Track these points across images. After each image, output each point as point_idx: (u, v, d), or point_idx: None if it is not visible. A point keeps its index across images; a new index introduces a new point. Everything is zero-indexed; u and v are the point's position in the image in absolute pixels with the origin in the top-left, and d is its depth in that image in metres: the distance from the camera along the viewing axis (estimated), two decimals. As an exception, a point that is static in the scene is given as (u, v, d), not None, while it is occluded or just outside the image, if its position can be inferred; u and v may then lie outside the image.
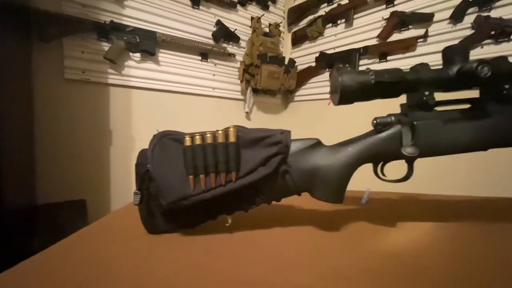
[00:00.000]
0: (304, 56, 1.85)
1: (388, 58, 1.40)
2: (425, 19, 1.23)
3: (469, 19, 1.12)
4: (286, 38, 1.98)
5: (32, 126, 1.04)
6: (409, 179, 0.42)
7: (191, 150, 0.36)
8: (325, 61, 1.66)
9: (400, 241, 0.42)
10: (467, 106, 0.41)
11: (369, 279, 0.29)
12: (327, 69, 1.67)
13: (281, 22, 1.84)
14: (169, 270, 0.31)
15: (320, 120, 1.76)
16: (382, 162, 0.41)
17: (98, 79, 1.23)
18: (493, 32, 1.05)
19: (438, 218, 0.51)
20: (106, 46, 1.22)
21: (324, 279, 0.29)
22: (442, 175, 1.19)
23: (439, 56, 1.16)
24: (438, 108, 0.40)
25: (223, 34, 1.58)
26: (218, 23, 1.57)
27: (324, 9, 1.69)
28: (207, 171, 0.36)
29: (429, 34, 1.24)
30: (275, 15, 1.90)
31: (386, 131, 0.39)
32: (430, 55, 1.25)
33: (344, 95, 0.38)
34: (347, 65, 1.52)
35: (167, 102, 1.47)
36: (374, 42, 1.45)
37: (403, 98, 0.42)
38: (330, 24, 1.67)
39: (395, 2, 1.37)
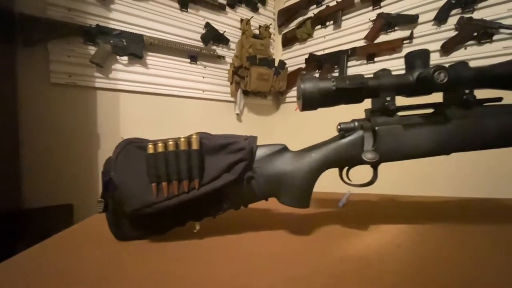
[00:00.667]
0: (295, 57, 1.86)
1: (376, 59, 1.41)
2: (410, 20, 1.24)
3: (452, 20, 1.13)
4: (277, 40, 1.98)
5: (18, 131, 1.04)
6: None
7: (154, 157, 0.37)
8: (314, 62, 1.67)
9: (368, 245, 0.42)
10: (431, 110, 0.42)
11: (329, 284, 0.30)
12: (317, 71, 1.68)
13: (271, 24, 1.85)
14: (135, 277, 0.31)
15: (313, 121, 1.77)
16: (347, 167, 0.42)
17: (84, 83, 1.23)
18: (475, 34, 1.06)
19: (413, 220, 0.51)
20: (92, 49, 1.22)
21: (285, 284, 0.29)
22: (429, 176, 1.20)
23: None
24: (402, 113, 0.41)
25: (212, 36, 1.59)
26: (207, 25, 1.58)
27: (312, 11, 1.69)
28: (169, 178, 0.36)
29: (415, 35, 1.25)
30: (265, 17, 1.91)
31: (349, 136, 0.39)
32: (416, 56, 1.25)
33: (307, 101, 0.39)
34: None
35: (156, 105, 1.47)
36: (361, 43, 1.46)
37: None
38: (319, 26, 1.68)
39: (382, 4, 1.38)
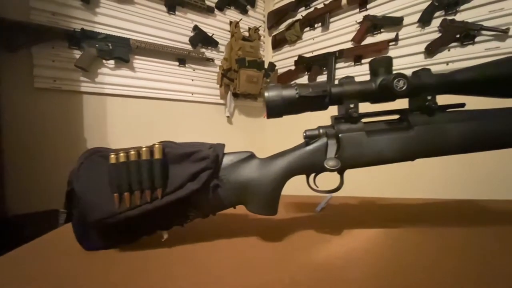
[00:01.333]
0: (285, 59, 1.86)
1: (363, 61, 1.41)
2: (395, 22, 1.25)
3: (436, 22, 1.14)
4: (267, 42, 1.99)
5: (1, 137, 1.03)
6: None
7: (115, 167, 0.36)
8: (303, 64, 1.68)
9: (336, 251, 0.42)
10: (396, 116, 0.42)
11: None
12: (306, 72, 1.68)
13: (260, 26, 1.85)
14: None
15: (304, 123, 1.77)
16: (314, 174, 0.42)
17: (70, 87, 1.22)
18: (458, 35, 1.07)
19: (389, 223, 0.52)
20: (77, 54, 1.22)
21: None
22: (414, 178, 1.20)
23: (411, 58, 1.19)
24: (372, 119, 0.41)
25: (201, 39, 1.59)
26: (195, 28, 1.57)
27: (301, 13, 1.70)
28: (131, 189, 0.36)
29: (400, 37, 1.26)
30: (255, 19, 1.91)
31: (314, 143, 0.39)
32: (402, 58, 1.27)
33: (271, 109, 0.39)
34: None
35: (145, 108, 1.46)
36: (349, 45, 1.47)
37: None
38: (308, 28, 1.69)
39: (368, 6, 1.39)
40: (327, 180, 0.44)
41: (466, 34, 1.04)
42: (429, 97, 0.38)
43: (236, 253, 0.41)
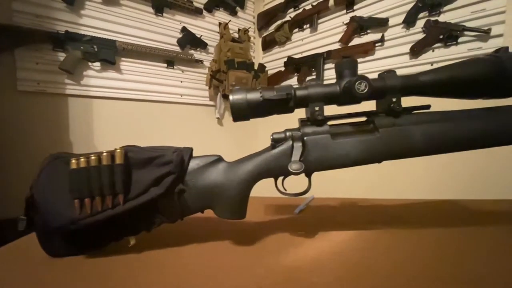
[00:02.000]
0: (275, 60, 1.86)
1: (350, 62, 1.41)
2: (381, 24, 1.26)
3: (421, 23, 1.15)
4: (257, 43, 1.98)
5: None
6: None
7: (76, 173, 0.36)
8: (293, 65, 1.68)
9: (307, 254, 0.42)
10: (364, 119, 0.42)
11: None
12: (296, 73, 1.68)
13: (250, 27, 1.85)
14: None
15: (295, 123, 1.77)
16: (282, 177, 0.42)
17: (54, 90, 1.21)
18: (441, 36, 1.07)
19: (366, 225, 0.52)
20: (62, 56, 1.20)
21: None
22: (403, 179, 1.21)
23: (396, 59, 1.19)
24: (335, 122, 0.41)
25: (189, 40, 1.58)
26: (184, 29, 1.57)
27: (290, 14, 1.70)
28: (91, 194, 0.36)
29: (386, 38, 1.27)
30: (245, 20, 1.91)
31: (279, 147, 0.39)
32: (388, 58, 1.27)
33: (236, 112, 0.38)
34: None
35: (132, 110, 1.45)
36: (337, 46, 1.47)
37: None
38: (297, 29, 1.69)
39: (355, 7, 1.39)
40: (302, 182, 0.44)
41: (449, 34, 1.05)
42: (394, 99, 0.38)
43: (205, 258, 0.41)
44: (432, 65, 1.13)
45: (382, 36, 1.26)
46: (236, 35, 1.77)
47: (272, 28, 1.85)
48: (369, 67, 1.34)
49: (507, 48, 0.39)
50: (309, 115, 0.39)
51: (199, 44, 1.63)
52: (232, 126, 1.88)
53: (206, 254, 0.42)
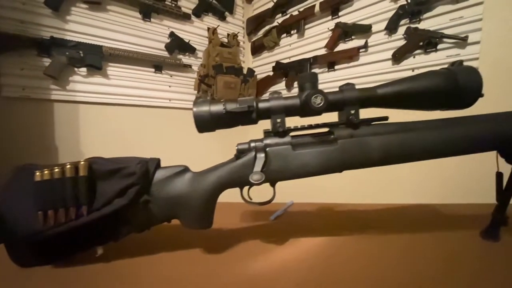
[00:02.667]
0: (264, 65, 1.88)
1: (336, 67, 1.44)
2: (364, 30, 1.28)
3: (403, 30, 1.17)
4: (247, 48, 2.00)
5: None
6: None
7: (40, 185, 0.36)
8: (281, 70, 1.69)
9: (272, 261, 0.43)
10: (327, 129, 0.43)
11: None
12: (284, 78, 1.70)
13: (239, 32, 1.86)
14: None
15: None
16: (248, 186, 0.43)
17: (40, 96, 1.21)
18: (421, 43, 1.10)
19: (338, 231, 0.53)
20: (47, 61, 1.20)
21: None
22: (390, 183, 1.22)
23: (379, 65, 1.20)
24: (298, 133, 0.42)
25: (177, 45, 1.59)
26: (172, 34, 1.58)
27: (278, 20, 1.72)
28: (55, 206, 0.36)
29: (369, 44, 1.29)
30: (234, 25, 1.92)
31: (243, 157, 0.40)
32: (372, 64, 1.29)
33: (199, 124, 0.39)
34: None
35: (120, 115, 1.45)
36: (323, 52, 1.49)
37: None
38: (285, 35, 1.71)
39: (340, 14, 1.41)
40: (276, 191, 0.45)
41: (429, 41, 1.08)
42: (352, 111, 0.39)
43: (172, 267, 0.41)
44: (413, 71, 1.15)
45: (366, 42, 1.28)
46: (225, 40, 1.79)
47: (261, 33, 1.87)
48: (353, 73, 1.36)
49: (461, 61, 0.40)
50: (272, 126, 0.40)
51: (188, 49, 1.64)
52: (222, 130, 1.89)
53: (174, 263, 0.42)
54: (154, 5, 1.49)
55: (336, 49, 1.43)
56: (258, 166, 0.38)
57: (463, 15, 1.03)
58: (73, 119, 1.31)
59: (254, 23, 1.88)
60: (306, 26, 1.58)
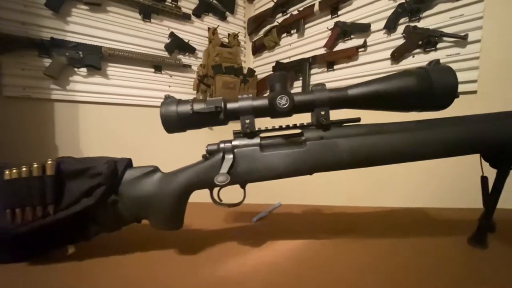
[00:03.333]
0: (265, 65, 1.87)
1: (335, 67, 1.42)
2: (363, 29, 1.26)
3: (402, 29, 1.14)
4: (248, 48, 1.99)
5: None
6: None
7: (8, 184, 0.37)
8: (281, 70, 1.68)
9: (243, 264, 0.43)
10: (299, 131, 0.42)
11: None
12: (284, 78, 1.68)
13: (239, 32, 1.86)
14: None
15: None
16: (218, 188, 0.42)
17: (40, 95, 1.23)
18: (420, 42, 1.07)
19: (319, 234, 0.52)
20: (48, 62, 1.23)
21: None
22: (386, 186, 1.20)
23: (379, 65, 1.18)
24: (269, 134, 0.41)
25: (177, 45, 1.60)
26: (172, 35, 1.59)
27: (278, 19, 1.71)
28: (22, 205, 0.37)
29: (368, 43, 1.26)
30: (235, 25, 1.92)
31: (211, 159, 0.40)
32: (371, 64, 1.27)
33: (167, 124, 0.39)
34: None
35: (119, 115, 1.47)
36: (322, 51, 1.47)
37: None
38: (285, 34, 1.70)
39: (339, 13, 1.39)
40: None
41: (428, 40, 1.05)
42: (322, 112, 0.38)
43: (143, 267, 0.41)
44: (412, 70, 1.12)
45: (365, 42, 1.26)
46: (226, 40, 1.79)
47: (261, 33, 1.86)
48: (352, 73, 1.34)
49: (438, 61, 0.39)
50: (240, 127, 0.39)
51: (187, 49, 1.65)
52: (222, 130, 1.89)
53: (145, 263, 0.42)
54: (154, 5, 1.50)
55: (336, 49, 1.41)
56: (224, 168, 0.38)
57: (463, 13, 0.99)
58: (73, 118, 1.34)
59: (255, 23, 1.87)
60: (306, 26, 1.56)
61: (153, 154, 1.14)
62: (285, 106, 0.35)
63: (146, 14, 1.50)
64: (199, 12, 1.69)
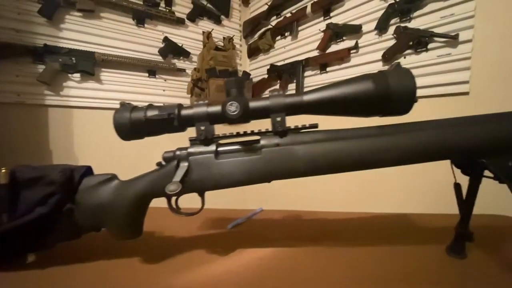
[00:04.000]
0: (260, 68, 1.86)
1: (328, 69, 1.40)
2: (354, 30, 1.24)
3: (393, 30, 1.12)
4: (244, 51, 1.99)
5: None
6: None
7: (-39, 193, 0.37)
8: (275, 73, 1.67)
9: (205, 274, 0.42)
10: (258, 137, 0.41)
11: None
12: (278, 81, 1.68)
13: (234, 36, 1.86)
14: None
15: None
16: (175, 196, 0.41)
17: (34, 101, 1.25)
18: (411, 43, 1.05)
19: (293, 241, 0.51)
20: (41, 68, 1.25)
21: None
22: (375, 192, 1.17)
23: (370, 66, 1.16)
24: (226, 141, 0.40)
25: (171, 50, 1.61)
26: (165, 39, 1.60)
27: (272, 22, 1.70)
28: (-25, 213, 0.37)
29: (360, 45, 1.24)
30: (230, 29, 1.92)
31: (165, 166, 0.39)
32: (363, 65, 1.25)
33: (120, 131, 0.39)
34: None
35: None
36: (315, 53, 1.46)
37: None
38: (279, 37, 1.69)
39: (331, 14, 1.38)
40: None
41: (419, 41, 1.02)
42: (278, 119, 0.37)
43: (104, 276, 0.41)
44: (403, 72, 1.09)
45: (356, 43, 1.24)
46: (221, 44, 1.79)
47: (256, 36, 1.86)
48: (345, 74, 1.32)
49: (398, 63, 0.38)
50: (196, 134, 0.39)
51: (182, 53, 1.66)
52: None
53: (107, 272, 0.42)
54: (147, 11, 1.51)
55: (328, 51, 1.39)
56: (178, 176, 0.37)
57: (454, 12, 0.97)
58: (67, 123, 1.35)
59: (250, 26, 1.87)
60: (299, 28, 1.55)
61: (149, 159, 1.14)
62: (235, 112, 0.34)
63: (140, 19, 1.51)
64: (193, 17, 1.70)
